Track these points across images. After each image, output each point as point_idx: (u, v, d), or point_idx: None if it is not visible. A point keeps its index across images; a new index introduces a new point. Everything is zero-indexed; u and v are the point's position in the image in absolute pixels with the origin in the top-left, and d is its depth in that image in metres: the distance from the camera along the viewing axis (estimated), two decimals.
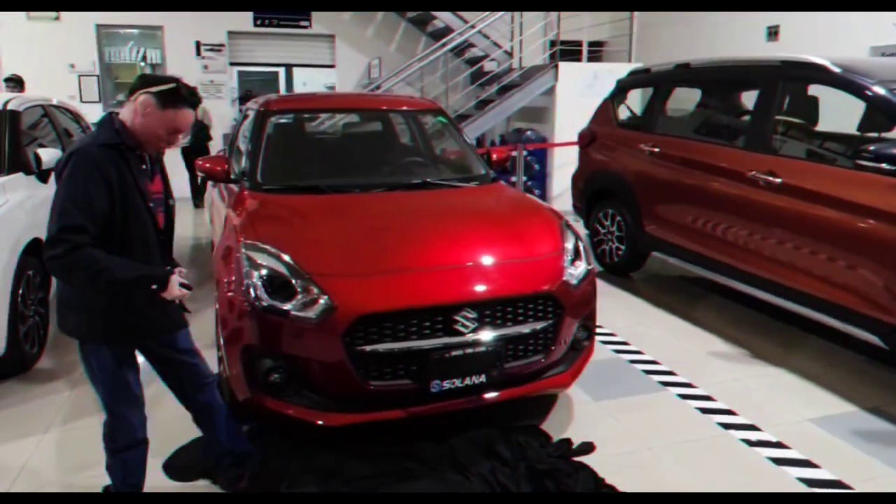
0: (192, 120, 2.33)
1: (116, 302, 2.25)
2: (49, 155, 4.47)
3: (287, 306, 2.86)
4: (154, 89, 2.22)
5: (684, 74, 5.58)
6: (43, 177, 4.45)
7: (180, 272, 2.33)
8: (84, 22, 9.95)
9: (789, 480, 2.94)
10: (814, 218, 3.96)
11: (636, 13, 9.67)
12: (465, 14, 10.39)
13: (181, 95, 2.24)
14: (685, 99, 5.93)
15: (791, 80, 4.49)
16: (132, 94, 2.26)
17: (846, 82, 3.99)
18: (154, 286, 2.22)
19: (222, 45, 10.57)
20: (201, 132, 9.26)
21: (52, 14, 9.79)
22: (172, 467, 2.96)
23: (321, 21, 10.88)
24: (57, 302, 2.34)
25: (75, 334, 2.32)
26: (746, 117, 5.10)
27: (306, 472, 2.88)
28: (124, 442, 2.42)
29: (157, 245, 2.38)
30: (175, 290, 2.25)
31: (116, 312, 2.25)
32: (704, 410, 3.57)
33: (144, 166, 2.36)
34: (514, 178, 8.47)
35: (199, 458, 2.96)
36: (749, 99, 5.09)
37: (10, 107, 4.64)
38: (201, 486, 2.82)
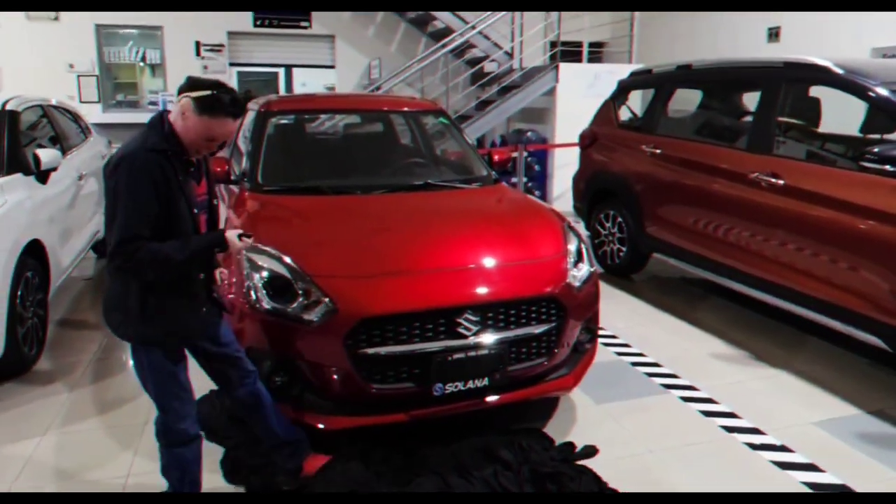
0: (230, 130, 2.26)
1: (149, 305, 2.25)
2: (48, 156, 4.45)
3: (288, 308, 2.85)
4: (194, 94, 2.17)
5: (686, 76, 5.58)
6: (42, 177, 4.43)
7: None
8: (83, 22, 9.96)
9: (794, 484, 2.93)
10: (816, 219, 3.95)
11: (637, 14, 9.68)
12: (465, 15, 10.40)
13: (220, 103, 2.18)
14: (686, 100, 5.92)
15: (793, 82, 4.48)
16: (179, 94, 2.23)
17: (849, 84, 3.98)
18: (217, 249, 2.28)
19: (222, 46, 10.57)
20: None
21: (52, 14, 9.77)
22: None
23: (321, 21, 10.89)
24: (103, 301, 2.39)
25: (120, 334, 2.35)
26: (748, 119, 5.09)
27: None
28: (176, 437, 2.42)
29: None
30: (237, 242, 2.27)
31: (149, 315, 2.25)
32: (707, 413, 3.56)
33: (192, 168, 2.35)
34: (514, 179, 8.47)
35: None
36: (750, 100, 5.08)
37: (8, 107, 4.62)
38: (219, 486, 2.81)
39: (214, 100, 2.16)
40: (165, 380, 2.36)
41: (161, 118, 2.24)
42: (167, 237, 2.20)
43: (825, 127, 4.64)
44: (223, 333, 2.56)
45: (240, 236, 2.28)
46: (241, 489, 2.84)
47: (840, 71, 4.04)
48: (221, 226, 2.67)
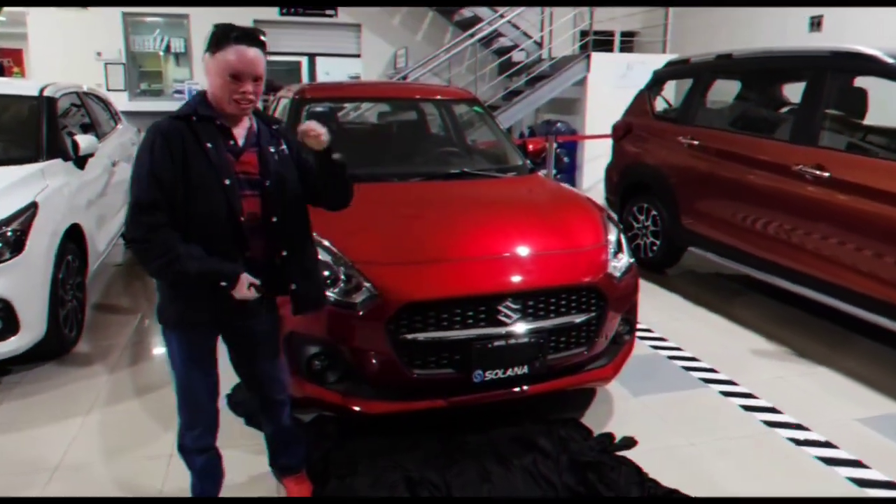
0: (250, 59, 2.07)
1: (179, 288, 2.16)
2: (86, 142, 4.59)
3: (330, 293, 2.89)
4: (205, 46, 2.09)
5: (726, 65, 5.56)
6: (80, 163, 4.57)
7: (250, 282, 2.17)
8: (111, 10, 10.13)
9: (839, 481, 2.94)
10: (865, 213, 3.92)
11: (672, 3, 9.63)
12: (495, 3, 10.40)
13: (224, 34, 2.06)
14: (722, 91, 5.89)
15: (840, 72, 4.45)
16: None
17: None
18: (223, 283, 2.09)
19: None
20: None
21: (81, 5, 9.95)
22: (233, 402, 3.39)
23: (347, 10, 10.99)
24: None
25: (157, 316, 2.26)
26: (791, 109, 5.08)
27: (355, 455, 2.96)
28: (188, 442, 2.36)
29: (231, 229, 2.14)
30: (243, 289, 2.12)
31: (179, 298, 2.17)
32: (748, 408, 3.57)
33: (232, 142, 2.17)
34: (543, 171, 8.45)
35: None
36: (792, 91, 5.05)
37: (46, 93, 4.77)
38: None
39: (219, 33, 2.06)
40: (182, 374, 2.27)
41: (199, 93, 2.19)
42: (187, 212, 2.07)
43: (873, 118, 4.60)
44: (265, 341, 2.41)
45: (251, 285, 2.13)
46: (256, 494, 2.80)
47: (890, 60, 4.00)
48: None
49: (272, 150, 2.24)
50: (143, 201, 2.02)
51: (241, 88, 2.07)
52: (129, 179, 2.12)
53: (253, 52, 2.07)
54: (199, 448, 2.38)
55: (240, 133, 2.19)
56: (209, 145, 2.09)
